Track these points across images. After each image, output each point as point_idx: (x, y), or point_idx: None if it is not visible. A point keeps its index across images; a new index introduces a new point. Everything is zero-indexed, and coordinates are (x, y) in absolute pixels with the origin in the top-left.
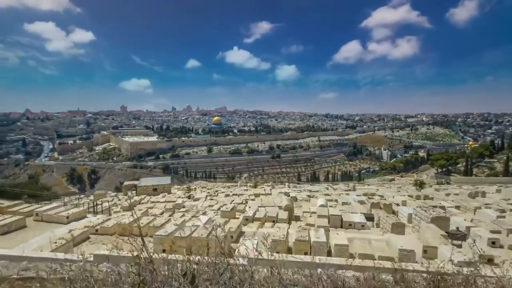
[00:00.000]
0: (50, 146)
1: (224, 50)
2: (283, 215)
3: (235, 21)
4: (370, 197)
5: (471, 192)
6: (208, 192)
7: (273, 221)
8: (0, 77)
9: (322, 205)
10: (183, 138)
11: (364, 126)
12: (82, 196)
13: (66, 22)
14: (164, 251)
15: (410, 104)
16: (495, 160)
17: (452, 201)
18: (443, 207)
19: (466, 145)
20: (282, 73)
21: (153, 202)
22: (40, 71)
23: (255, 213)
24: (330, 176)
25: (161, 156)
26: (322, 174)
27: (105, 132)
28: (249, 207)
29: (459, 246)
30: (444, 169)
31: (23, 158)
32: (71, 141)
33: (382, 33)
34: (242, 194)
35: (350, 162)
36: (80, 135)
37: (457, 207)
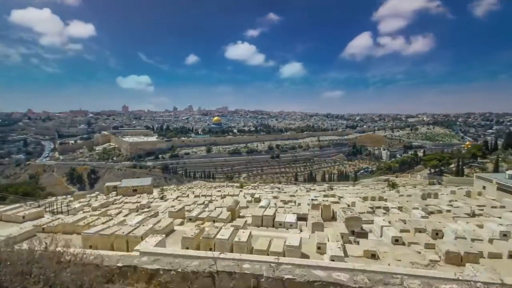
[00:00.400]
0: (51, 146)
1: (227, 44)
2: (225, 215)
3: (240, 12)
4: (325, 198)
5: (423, 193)
6: (183, 193)
7: (213, 221)
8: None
9: (262, 206)
10: (183, 138)
11: (364, 126)
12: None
13: (64, 13)
14: (90, 247)
15: (420, 103)
16: (488, 161)
17: (398, 202)
18: (386, 208)
19: (463, 146)
20: (287, 71)
21: (126, 202)
22: (41, 69)
23: (199, 214)
24: (327, 176)
25: (160, 156)
26: (319, 175)
27: (105, 132)
28: (207, 207)
29: (358, 243)
30: (437, 170)
31: (24, 158)
32: (72, 141)
33: (395, 25)
34: (211, 195)
35: (350, 162)
36: (81, 135)
37: (400, 208)
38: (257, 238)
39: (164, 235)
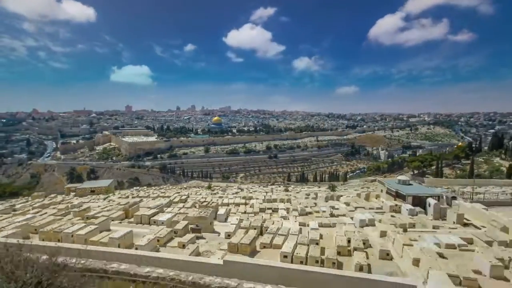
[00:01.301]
0: (53, 146)
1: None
2: (118, 214)
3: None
4: (242, 199)
5: (327, 196)
6: (123, 194)
7: (112, 220)
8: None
9: (150, 207)
10: (182, 138)
11: (364, 126)
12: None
13: None
14: None
15: (430, 103)
16: (470, 162)
17: (300, 203)
18: (276, 209)
19: (455, 146)
20: (299, 65)
21: (61, 203)
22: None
23: (96, 213)
24: (318, 176)
25: (159, 156)
26: (312, 175)
27: (106, 132)
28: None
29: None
30: (420, 171)
31: (26, 158)
32: (74, 141)
33: (425, 8)
34: (169, 196)
35: (347, 162)
36: (83, 134)
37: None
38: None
39: None
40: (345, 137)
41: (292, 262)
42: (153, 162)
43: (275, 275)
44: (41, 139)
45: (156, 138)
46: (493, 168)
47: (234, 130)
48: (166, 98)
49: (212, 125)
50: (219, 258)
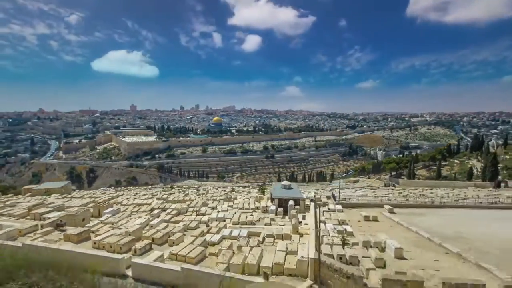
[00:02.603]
0: (56, 145)
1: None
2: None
3: None
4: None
5: (226, 197)
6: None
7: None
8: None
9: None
10: (180, 138)
11: (364, 126)
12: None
13: None
14: None
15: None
16: (447, 163)
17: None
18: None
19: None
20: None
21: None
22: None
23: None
24: (307, 176)
25: (157, 156)
26: (301, 175)
27: (108, 132)
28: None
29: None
30: (397, 172)
31: (29, 157)
32: (77, 141)
33: None
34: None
35: (344, 163)
36: (86, 134)
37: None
38: None
39: None
40: (343, 137)
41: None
42: (151, 161)
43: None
44: (45, 138)
45: (155, 138)
46: (462, 170)
47: (233, 130)
48: (171, 96)
49: (212, 125)
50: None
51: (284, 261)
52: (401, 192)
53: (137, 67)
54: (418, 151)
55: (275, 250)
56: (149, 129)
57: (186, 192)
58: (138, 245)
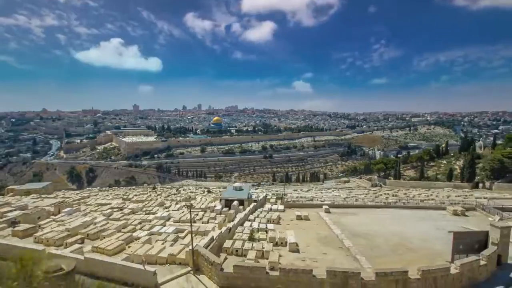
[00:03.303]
0: (58, 145)
1: None
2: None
3: None
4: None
5: (186, 197)
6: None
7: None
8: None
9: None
10: (179, 138)
11: (364, 126)
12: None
13: None
14: None
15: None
16: (434, 164)
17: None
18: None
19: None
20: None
21: None
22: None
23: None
24: (301, 176)
25: (156, 155)
26: (299, 175)
27: (108, 132)
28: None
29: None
30: (386, 172)
31: (30, 157)
32: (78, 140)
33: None
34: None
35: (343, 163)
36: (87, 134)
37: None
38: None
39: None
40: (343, 137)
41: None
42: (150, 161)
43: None
44: (47, 138)
45: (155, 138)
46: (446, 170)
47: (233, 130)
48: (174, 96)
49: (212, 125)
50: None
51: (179, 252)
52: (376, 193)
53: (144, 62)
54: (417, 151)
55: (179, 244)
56: (149, 129)
57: (167, 192)
58: (70, 240)
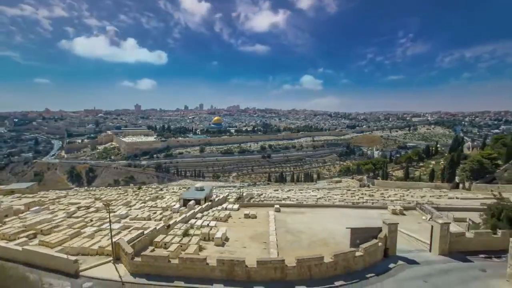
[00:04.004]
0: (60, 145)
1: None
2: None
3: None
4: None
5: (153, 196)
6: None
7: None
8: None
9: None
10: (179, 138)
11: (364, 126)
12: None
13: None
14: None
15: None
16: (423, 165)
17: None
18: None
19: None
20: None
21: None
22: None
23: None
24: (295, 177)
25: (155, 155)
26: (294, 175)
27: (109, 132)
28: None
29: None
30: (375, 173)
31: (32, 157)
32: (79, 140)
33: None
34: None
35: (341, 162)
36: (89, 134)
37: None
38: None
39: None
40: (342, 137)
41: None
42: (149, 161)
43: None
44: (49, 138)
45: (155, 138)
46: (429, 171)
47: (232, 130)
48: (177, 96)
49: (212, 125)
50: None
51: (108, 245)
52: (353, 193)
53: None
54: (409, 151)
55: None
56: (150, 129)
57: (147, 193)
58: (23, 234)
